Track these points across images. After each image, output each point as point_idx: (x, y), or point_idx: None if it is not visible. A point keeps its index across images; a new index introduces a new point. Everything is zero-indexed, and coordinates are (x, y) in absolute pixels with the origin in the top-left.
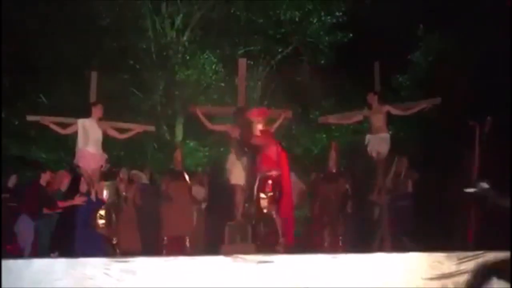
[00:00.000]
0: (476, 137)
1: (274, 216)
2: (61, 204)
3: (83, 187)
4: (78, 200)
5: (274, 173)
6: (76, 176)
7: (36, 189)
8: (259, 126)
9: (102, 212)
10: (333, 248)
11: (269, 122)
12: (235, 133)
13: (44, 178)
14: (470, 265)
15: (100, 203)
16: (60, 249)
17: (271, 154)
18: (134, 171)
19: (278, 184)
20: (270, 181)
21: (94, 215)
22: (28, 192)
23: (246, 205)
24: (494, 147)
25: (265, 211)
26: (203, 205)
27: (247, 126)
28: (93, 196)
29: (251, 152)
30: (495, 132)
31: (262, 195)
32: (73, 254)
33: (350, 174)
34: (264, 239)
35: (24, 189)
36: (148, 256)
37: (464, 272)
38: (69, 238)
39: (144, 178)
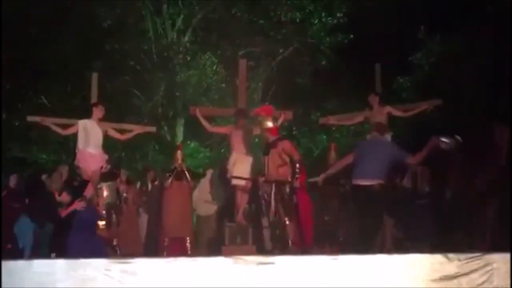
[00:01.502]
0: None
1: (287, 222)
2: (63, 213)
3: (88, 192)
4: (78, 205)
5: (289, 178)
6: (82, 180)
7: (41, 195)
8: (269, 124)
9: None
10: (334, 249)
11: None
12: (235, 134)
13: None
14: (472, 266)
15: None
16: (58, 251)
17: (286, 151)
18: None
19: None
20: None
21: (93, 218)
22: (32, 196)
23: (247, 206)
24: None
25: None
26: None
27: (257, 124)
28: (94, 200)
29: (266, 149)
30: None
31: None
32: (71, 255)
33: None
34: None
35: (26, 190)
36: (149, 257)
37: (466, 274)
38: (67, 239)
39: None
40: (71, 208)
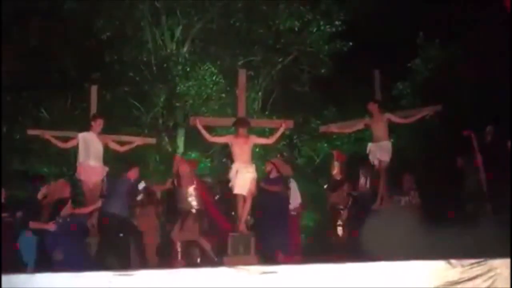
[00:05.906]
0: (474, 145)
1: None
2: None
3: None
4: (49, 226)
5: None
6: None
7: (31, 204)
8: None
9: None
10: (338, 257)
11: (270, 132)
12: (236, 144)
13: (42, 191)
14: (473, 272)
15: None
16: (55, 263)
17: None
18: None
19: None
20: None
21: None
22: (27, 207)
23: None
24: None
25: None
26: None
27: None
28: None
29: None
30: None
31: None
32: (65, 267)
33: (352, 183)
34: None
35: (22, 203)
36: (151, 269)
37: (469, 279)
38: (64, 252)
39: None
40: (42, 226)
